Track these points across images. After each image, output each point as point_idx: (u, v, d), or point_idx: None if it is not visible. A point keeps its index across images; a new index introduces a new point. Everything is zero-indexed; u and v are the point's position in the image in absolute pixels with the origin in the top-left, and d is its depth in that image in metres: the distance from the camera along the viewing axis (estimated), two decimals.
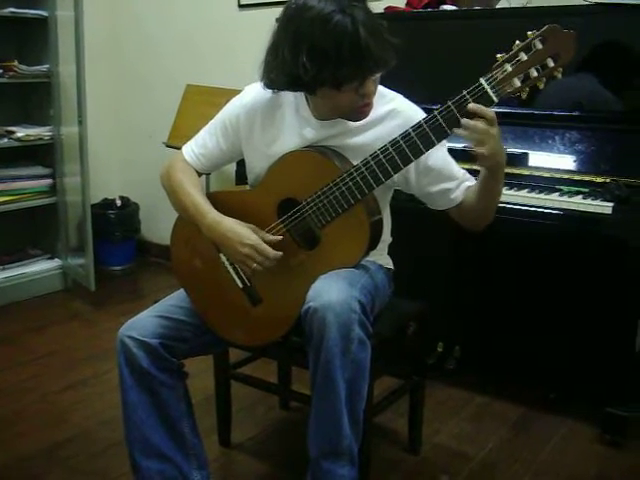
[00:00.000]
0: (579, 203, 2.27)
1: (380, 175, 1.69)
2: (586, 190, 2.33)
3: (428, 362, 2.58)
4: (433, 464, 2.30)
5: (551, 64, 1.54)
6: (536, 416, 2.58)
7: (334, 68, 1.58)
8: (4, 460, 2.30)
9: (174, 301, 1.96)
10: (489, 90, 1.56)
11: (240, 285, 1.91)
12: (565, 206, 2.29)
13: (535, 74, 1.56)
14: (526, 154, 2.50)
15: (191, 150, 1.99)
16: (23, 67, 3.68)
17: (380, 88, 1.81)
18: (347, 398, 1.68)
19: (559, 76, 1.56)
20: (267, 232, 1.83)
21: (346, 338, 1.63)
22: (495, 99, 1.57)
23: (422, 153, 1.65)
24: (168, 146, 3.57)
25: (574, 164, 2.45)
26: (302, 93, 1.81)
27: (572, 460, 2.32)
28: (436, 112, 1.60)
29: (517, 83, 1.56)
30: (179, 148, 3.42)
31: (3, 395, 2.75)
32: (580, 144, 2.46)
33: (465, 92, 1.58)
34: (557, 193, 2.36)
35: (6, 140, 3.69)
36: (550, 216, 2.32)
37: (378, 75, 1.70)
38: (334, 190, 1.72)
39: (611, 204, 2.22)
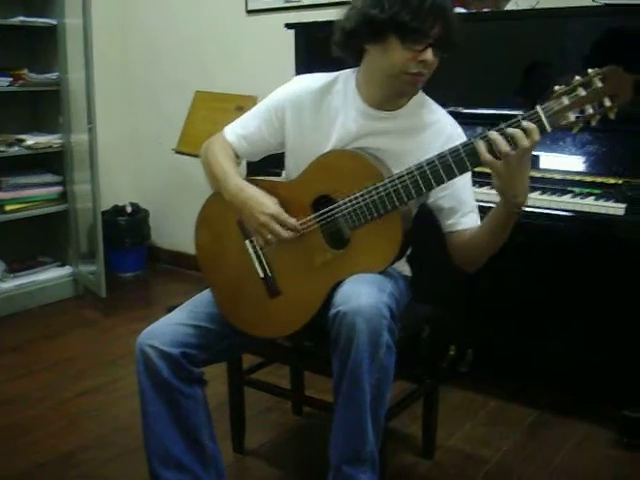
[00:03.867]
0: (591, 205, 2.27)
1: (422, 186, 1.69)
2: (598, 192, 2.32)
3: (441, 366, 2.56)
4: (447, 468, 2.30)
5: (608, 103, 1.53)
6: (551, 419, 2.56)
7: (411, 17, 1.63)
8: (21, 467, 2.31)
9: (193, 306, 1.95)
10: (544, 119, 1.55)
11: (261, 274, 1.90)
12: (577, 208, 2.28)
13: (590, 111, 1.54)
14: (537, 156, 2.48)
15: (232, 130, 2.00)
16: (33, 75, 3.70)
17: (426, 96, 1.87)
18: (372, 404, 1.67)
19: (612, 116, 1.55)
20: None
21: (375, 343, 1.62)
22: (548, 129, 1.56)
23: (467, 170, 1.66)
24: (177, 152, 3.57)
25: (586, 166, 2.44)
26: (354, 79, 1.86)
27: (588, 464, 2.30)
28: (488, 132, 1.60)
29: (571, 117, 1.55)
30: (188, 155, 3.44)
31: (17, 403, 2.75)
32: (591, 145, 2.45)
33: (520, 117, 1.57)
34: (569, 195, 2.35)
35: (16, 148, 3.70)
36: (562, 218, 2.31)
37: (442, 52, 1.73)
38: (373, 194, 1.72)
39: (624, 205, 2.22)
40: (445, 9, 1.67)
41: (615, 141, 2.42)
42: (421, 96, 1.88)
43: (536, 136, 1.55)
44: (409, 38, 1.67)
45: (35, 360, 3.15)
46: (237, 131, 1.99)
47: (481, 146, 1.59)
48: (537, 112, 1.56)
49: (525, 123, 1.55)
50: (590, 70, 1.54)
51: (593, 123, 1.57)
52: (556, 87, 1.57)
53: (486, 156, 1.59)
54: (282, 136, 1.95)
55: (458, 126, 1.87)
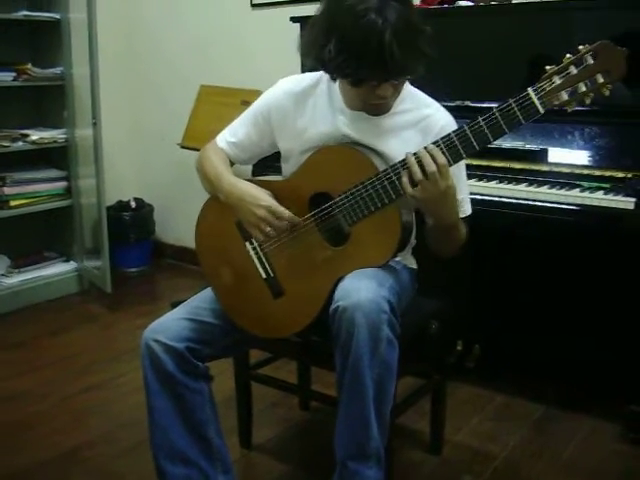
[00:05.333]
0: (601, 199, 2.24)
1: None
2: (607, 186, 2.30)
3: (449, 361, 2.56)
4: (455, 464, 2.29)
5: (600, 80, 1.53)
6: (558, 415, 2.55)
7: (356, 65, 1.58)
8: (24, 464, 2.30)
9: (198, 302, 1.94)
10: (536, 101, 1.55)
11: (263, 275, 1.89)
12: (587, 202, 2.26)
13: (583, 89, 1.54)
14: (545, 150, 2.47)
15: (224, 138, 2.01)
16: (37, 70, 3.70)
17: (418, 92, 1.84)
18: (375, 398, 1.66)
19: (607, 93, 1.54)
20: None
21: (375, 338, 1.62)
22: (541, 110, 1.56)
23: (461, 158, 1.65)
24: (182, 147, 3.56)
25: (594, 159, 2.42)
26: (336, 84, 1.82)
27: (596, 458, 2.29)
28: (480, 119, 1.59)
29: (564, 96, 1.55)
30: (193, 149, 3.42)
31: (22, 399, 2.75)
32: (600, 139, 2.43)
33: (511, 101, 1.57)
34: (578, 189, 2.32)
35: (21, 143, 3.70)
36: (571, 212, 2.28)
37: (401, 80, 1.70)
38: (369, 188, 1.71)
39: (633, 199, 2.19)
40: (390, 53, 1.54)
41: (624, 134, 2.39)
42: (409, 92, 1.84)
43: (440, 159, 1.59)
44: (361, 83, 1.65)
45: (39, 356, 3.15)
46: (228, 139, 1.99)
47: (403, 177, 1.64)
48: (528, 94, 1.56)
49: (430, 147, 1.60)
50: (581, 47, 1.54)
51: (587, 101, 1.57)
52: (547, 67, 1.56)
53: (406, 188, 1.63)
54: (272, 138, 1.94)
55: (453, 121, 1.82)
